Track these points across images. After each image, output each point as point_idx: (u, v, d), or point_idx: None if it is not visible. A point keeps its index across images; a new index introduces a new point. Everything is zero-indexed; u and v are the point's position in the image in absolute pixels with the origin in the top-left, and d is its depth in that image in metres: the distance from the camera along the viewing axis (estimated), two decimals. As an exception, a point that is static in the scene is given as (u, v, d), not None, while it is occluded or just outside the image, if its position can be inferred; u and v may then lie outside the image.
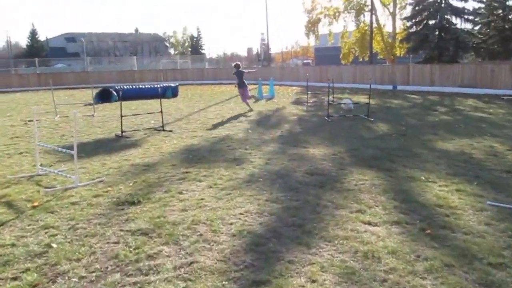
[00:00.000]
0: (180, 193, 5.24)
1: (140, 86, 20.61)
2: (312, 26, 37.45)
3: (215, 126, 10.83)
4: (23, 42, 75.77)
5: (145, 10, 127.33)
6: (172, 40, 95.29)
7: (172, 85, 21.11)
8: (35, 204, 4.91)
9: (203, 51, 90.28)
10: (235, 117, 12.57)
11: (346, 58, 37.41)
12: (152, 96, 18.75)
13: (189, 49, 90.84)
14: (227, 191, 5.26)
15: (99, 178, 5.99)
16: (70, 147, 6.89)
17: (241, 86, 14.29)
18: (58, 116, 13.64)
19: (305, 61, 72.67)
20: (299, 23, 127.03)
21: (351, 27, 37.92)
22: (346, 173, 6.03)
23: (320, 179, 5.76)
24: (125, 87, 19.88)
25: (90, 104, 16.25)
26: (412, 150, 7.59)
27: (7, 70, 40.61)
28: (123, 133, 9.70)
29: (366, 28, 35.60)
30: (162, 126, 10.40)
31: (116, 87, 19.34)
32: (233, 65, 15.47)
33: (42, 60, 48.82)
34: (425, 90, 22.21)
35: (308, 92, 16.92)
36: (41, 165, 6.84)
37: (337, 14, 36.88)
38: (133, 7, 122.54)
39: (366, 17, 35.98)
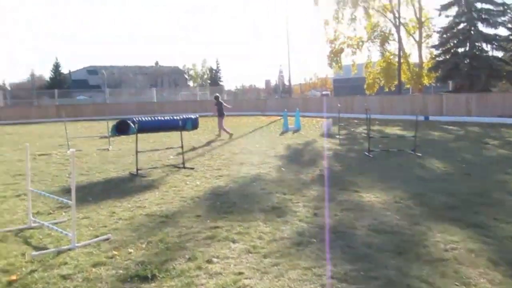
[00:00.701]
0: (209, 261, 3.87)
1: (159, 118, 19.61)
2: (334, 56, 36.51)
3: (242, 163, 9.52)
4: (47, 75, 76.77)
5: (166, 44, 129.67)
6: (191, 72, 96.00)
7: (192, 116, 20.04)
8: (13, 278, 3.61)
9: (221, 83, 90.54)
10: (263, 152, 11.27)
11: (371, 88, 36.15)
12: (171, 128, 17.67)
13: (208, 81, 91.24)
14: (273, 260, 3.87)
15: (104, 234, 4.69)
16: (77, 189, 5.65)
17: (221, 115, 16.05)
18: (71, 150, 12.57)
19: (323, 92, 71.89)
20: (318, 54, 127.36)
21: (375, 56, 36.94)
22: (424, 231, 4.59)
23: (393, 240, 4.33)
24: (142, 118, 18.91)
25: (105, 137, 15.22)
26: (492, 195, 6.11)
27: (30, 102, 40.77)
28: (139, 171, 8.46)
29: (391, 57, 34.52)
30: (183, 163, 9.14)
31: (134, 119, 18.38)
32: (214, 97, 17.05)
33: (64, 92, 49.04)
34: (461, 121, 20.67)
35: (340, 123, 15.58)
36: (37, 213, 5.61)
37: (360, 43, 35.98)
38: (154, 40, 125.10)
39: (391, 46, 35.05)
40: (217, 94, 17.13)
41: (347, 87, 54.38)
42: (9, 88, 72.98)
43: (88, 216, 5.49)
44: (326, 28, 35.69)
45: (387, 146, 11.73)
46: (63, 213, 5.68)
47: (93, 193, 6.86)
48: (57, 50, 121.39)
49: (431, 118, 22.67)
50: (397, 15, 32.53)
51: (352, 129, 17.94)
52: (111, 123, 16.66)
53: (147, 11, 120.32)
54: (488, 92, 24.60)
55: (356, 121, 22.54)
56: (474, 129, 16.99)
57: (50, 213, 5.75)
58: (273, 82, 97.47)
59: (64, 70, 76.68)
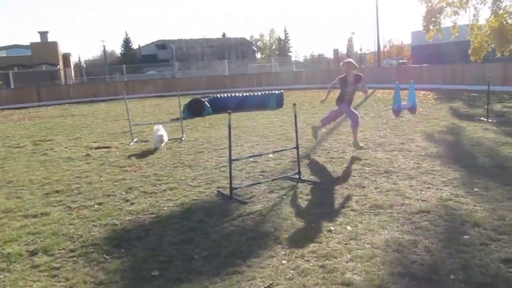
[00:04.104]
0: None
1: (235, 95, 16.47)
2: (432, 17, 31.00)
3: (389, 172, 5.98)
4: (119, 50, 77.13)
5: (232, 15, 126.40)
6: (259, 43, 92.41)
7: (276, 92, 16.67)
8: None
9: (290, 54, 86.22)
10: (400, 147, 7.65)
11: (477, 54, 30.25)
12: (253, 106, 14.59)
13: (276, 52, 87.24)
14: None
15: None
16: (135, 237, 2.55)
17: (349, 101, 7.63)
18: (135, 140, 9.81)
19: (400, 61, 65.31)
20: (392, 20, 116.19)
21: (482, 16, 30.93)
22: None
23: None
24: (218, 96, 15.88)
25: (177, 120, 12.30)
26: None
27: (102, 78, 39.84)
28: (233, 192, 5.22)
29: (506, 15, 28.47)
30: (298, 174, 5.75)
31: (211, 96, 15.40)
32: (345, 62, 7.70)
33: (134, 68, 47.87)
34: None
35: (490, 102, 11.42)
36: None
37: (464, 1, 30.14)
38: (221, 12, 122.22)
39: (504, 3, 28.90)
40: (350, 60, 7.81)
41: (428, 54, 47.64)
42: (84, 65, 74.32)
43: None
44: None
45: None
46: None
47: (162, 251, 3.74)
48: (127, 25, 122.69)
49: None
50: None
51: (486, 107, 13.60)
52: (183, 101, 13.72)
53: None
54: None
55: (474, 94, 18.04)
56: None
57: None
58: (341, 52, 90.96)
59: (134, 45, 76.57)
